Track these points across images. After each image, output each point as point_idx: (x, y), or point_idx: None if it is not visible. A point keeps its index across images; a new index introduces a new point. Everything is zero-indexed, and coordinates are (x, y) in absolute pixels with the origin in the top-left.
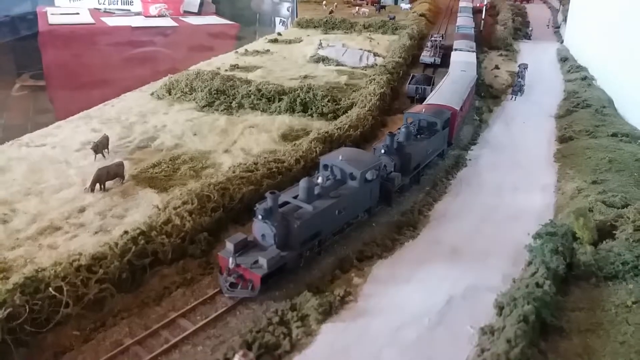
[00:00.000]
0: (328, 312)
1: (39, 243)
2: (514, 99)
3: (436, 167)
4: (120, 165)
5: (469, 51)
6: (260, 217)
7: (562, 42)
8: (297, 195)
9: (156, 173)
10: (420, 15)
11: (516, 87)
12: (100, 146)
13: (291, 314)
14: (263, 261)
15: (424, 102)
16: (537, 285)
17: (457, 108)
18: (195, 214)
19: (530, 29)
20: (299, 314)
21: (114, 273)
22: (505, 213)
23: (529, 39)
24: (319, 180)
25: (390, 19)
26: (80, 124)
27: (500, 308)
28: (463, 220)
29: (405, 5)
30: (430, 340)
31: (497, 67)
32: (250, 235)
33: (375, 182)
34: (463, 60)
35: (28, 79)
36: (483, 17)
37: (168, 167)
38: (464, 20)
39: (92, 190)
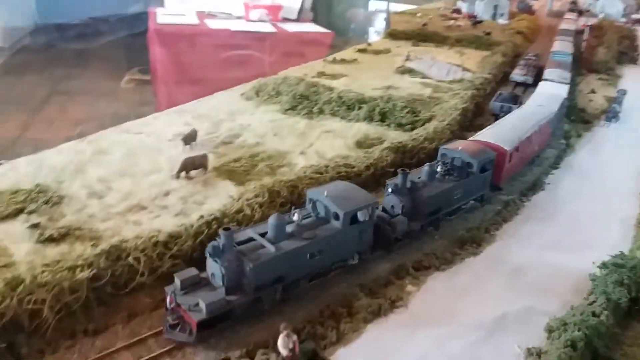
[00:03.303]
0: (376, 313)
1: (126, 219)
2: (607, 125)
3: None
4: (204, 157)
5: (560, 82)
6: (208, 254)
7: None
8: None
9: (236, 167)
10: (518, 32)
11: (611, 113)
12: (189, 138)
13: (341, 310)
14: (202, 305)
15: (470, 138)
16: (594, 314)
17: (508, 149)
18: (265, 207)
19: (638, 53)
20: (349, 311)
21: (187, 251)
22: (578, 241)
23: (635, 63)
24: (295, 217)
25: (485, 34)
26: (174, 117)
27: (550, 332)
28: (531, 243)
29: (503, 21)
30: (475, 354)
31: (593, 91)
32: (204, 272)
33: (367, 225)
34: (548, 92)
35: (136, 73)
36: (584, 38)
37: (247, 162)
38: (562, 45)
39: (178, 177)
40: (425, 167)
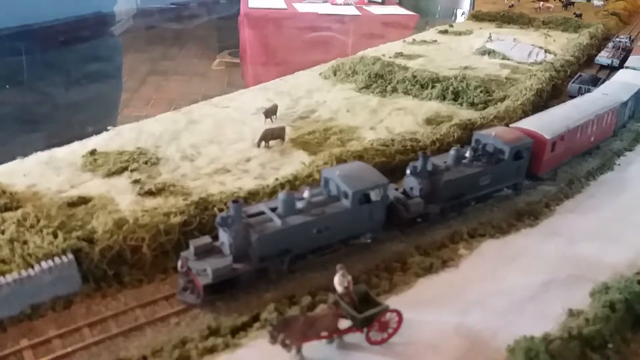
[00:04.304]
0: (428, 269)
1: (213, 179)
2: None
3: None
4: (282, 129)
5: None
6: (217, 224)
7: None
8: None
9: (310, 139)
10: (612, 14)
11: None
12: (270, 112)
13: (396, 264)
14: (209, 270)
15: (513, 124)
16: (639, 282)
17: (549, 137)
18: None
19: None
20: (402, 266)
21: None
22: None
23: None
24: (305, 194)
25: (576, 16)
26: (258, 93)
27: (593, 294)
28: (590, 219)
29: (597, 2)
30: (517, 311)
31: None
32: (219, 241)
33: (378, 205)
34: (624, 80)
35: (226, 56)
36: None
37: (321, 135)
38: None
39: (259, 145)
40: (451, 152)
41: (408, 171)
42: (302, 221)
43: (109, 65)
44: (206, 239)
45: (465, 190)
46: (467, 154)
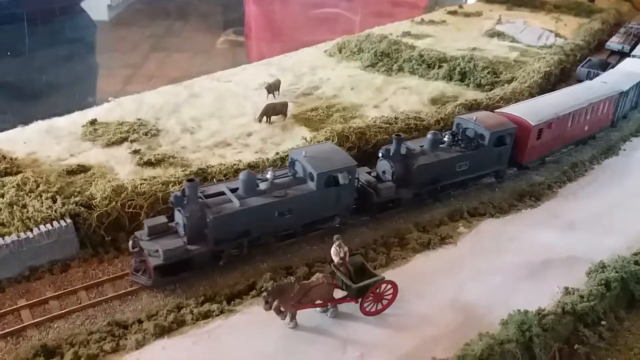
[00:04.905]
0: (425, 245)
1: (213, 152)
2: None
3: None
4: (285, 104)
5: None
6: (171, 204)
7: None
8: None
9: (312, 116)
10: (627, 0)
11: None
12: (273, 87)
13: (393, 240)
14: (161, 251)
15: (500, 110)
16: (636, 263)
17: (534, 124)
18: None
19: None
20: (400, 242)
21: None
22: None
23: None
24: (268, 175)
25: (588, 0)
26: (261, 68)
27: (589, 273)
28: (591, 202)
29: None
30: (514, 288)
31: None
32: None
33: (346, 188)
34: (628, 70)
35: (231, 34)
36: None
37: (323, 112)
38: None
39: (260, 120)
40: (428, 135)
41: (380, 154)
42: (262, 203)
43: (81, 42)
44: (162, 219)
45: (440, 175)
46: (446, 138)
